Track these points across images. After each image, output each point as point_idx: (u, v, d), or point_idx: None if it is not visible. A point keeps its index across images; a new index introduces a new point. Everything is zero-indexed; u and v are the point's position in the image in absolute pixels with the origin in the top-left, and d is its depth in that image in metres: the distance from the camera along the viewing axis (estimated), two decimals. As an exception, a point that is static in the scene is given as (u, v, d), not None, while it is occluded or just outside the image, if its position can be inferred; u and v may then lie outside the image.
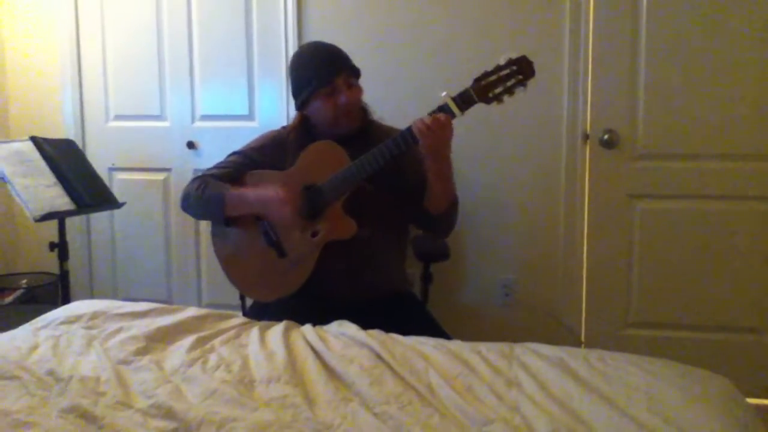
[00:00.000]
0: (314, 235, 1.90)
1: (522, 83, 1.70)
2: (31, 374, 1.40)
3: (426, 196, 1.90)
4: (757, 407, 2.44)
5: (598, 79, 2.57)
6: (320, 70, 1.92)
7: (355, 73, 1.99)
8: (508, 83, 1.70)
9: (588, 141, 2.61)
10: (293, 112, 2.12)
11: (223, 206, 1.96)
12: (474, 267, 2.80)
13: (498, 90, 1.70)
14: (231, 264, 2.09)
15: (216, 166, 2.11)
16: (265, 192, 1.93)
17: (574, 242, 2.68)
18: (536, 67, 1.70)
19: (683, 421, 1.21)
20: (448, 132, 1.75)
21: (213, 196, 1.97)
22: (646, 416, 1.23)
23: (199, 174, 2.11)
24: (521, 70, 1.69)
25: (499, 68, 1.70)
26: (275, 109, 2.95)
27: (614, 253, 2.64)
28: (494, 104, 1.72)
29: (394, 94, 2.72)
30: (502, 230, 2.75)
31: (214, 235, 2.12)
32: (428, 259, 2.39)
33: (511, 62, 1.70)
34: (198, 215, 2.14)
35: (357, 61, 2.00)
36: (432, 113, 1.74)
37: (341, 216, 1.87)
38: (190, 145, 3.06)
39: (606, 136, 2.57)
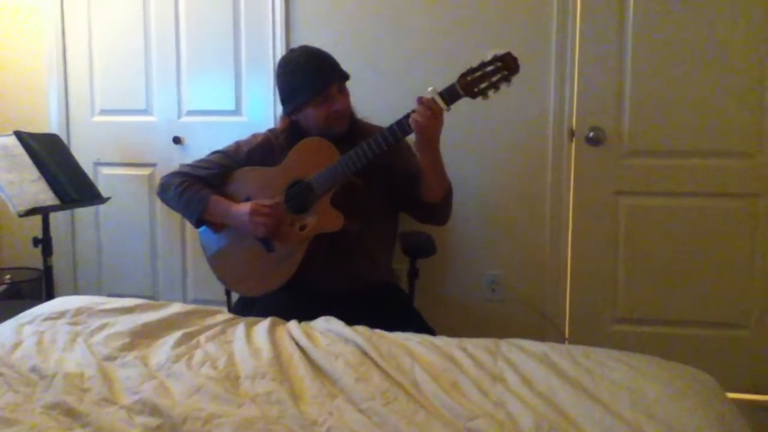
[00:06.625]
0: (302, 228, 1.91)
1: (507, 79, 1.74)
2: (14, 370, 1.39)
3: (422, 187, 1.92)
4: (738, 402, 2.47)
5: (584, 76, 2.58)
6: (313, 80, 1.94)
7: (345, 78, 2.01)
8: (493, 79, 1.74)
9: (574, 138, 2.62)
10: (280, 109, 2.11)
11: (202, 211, 2.01)
12: (460, 262, 2.80)
13: (483, 85, 1.74)
14: (218, 260, 2.09)
15: (198, 163, 2.11)
16: (240, 211, 1.96)
17: (559, 238, 2.69)
18: (521, 63, 1.72)
19: (665, 416, 1.23)
20: (441, 120, 1.78)
21: (194, 199, 2.01)
22: (629, 411, 1.24)
23: (183, 167, 2.11)
24: (506, 66, 1.73)
25: (484, 64, 1.74)
26: (262, 104, 2.93)
27: (599, 250, 2.66)
28: (479, 99, 1.75)
29: (381, 91, 2.71)
30: (488, 226, 2.75)
31: (202, 231, 2.12)
32: (415, 255, 2.39)
33: (496, 59, 1.73)
34: (172, 208, 2.16)
35: (344, 57, 2.01)
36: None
37: (329, 209, 1.88)
38: (177, 140, 3.04)
39: (592, 134, 2.58)
